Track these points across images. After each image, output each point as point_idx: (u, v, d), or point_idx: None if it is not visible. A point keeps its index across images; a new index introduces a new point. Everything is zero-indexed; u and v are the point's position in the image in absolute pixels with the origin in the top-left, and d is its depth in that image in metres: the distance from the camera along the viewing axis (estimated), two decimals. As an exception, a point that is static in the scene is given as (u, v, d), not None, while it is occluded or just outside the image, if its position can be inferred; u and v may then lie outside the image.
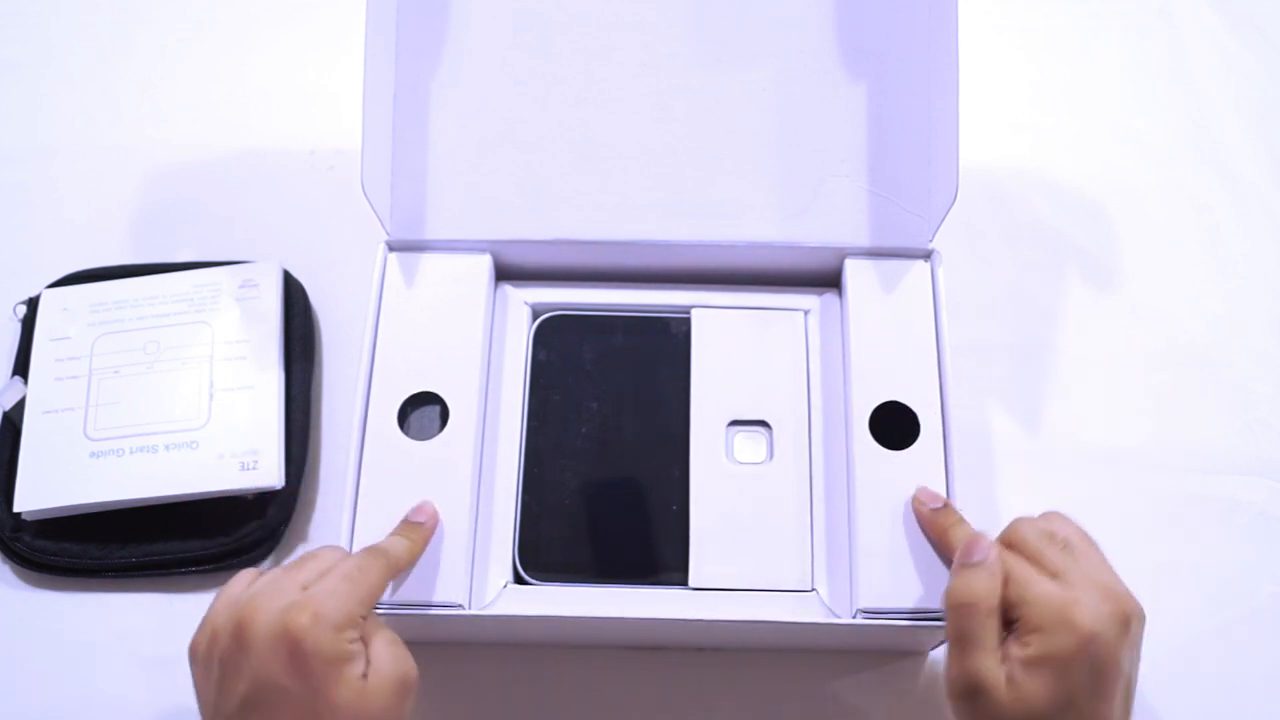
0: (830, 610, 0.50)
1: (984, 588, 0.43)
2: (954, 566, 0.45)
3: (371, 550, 0.46)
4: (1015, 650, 0.43)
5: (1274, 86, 0.74)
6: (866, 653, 0.56)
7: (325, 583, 0.42)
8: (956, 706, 0.44)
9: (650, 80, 0.56)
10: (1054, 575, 0.44)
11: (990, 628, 0.43)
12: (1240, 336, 0.66)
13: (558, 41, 0.55)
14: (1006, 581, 0.44)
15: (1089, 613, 0.42)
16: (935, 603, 0.48)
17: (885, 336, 0.53)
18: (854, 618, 0.49)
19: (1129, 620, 0.43)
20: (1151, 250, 0.68)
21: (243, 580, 0.44)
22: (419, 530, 0.49)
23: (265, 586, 0.43)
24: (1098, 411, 0.63)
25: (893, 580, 0.49)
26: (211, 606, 0.44)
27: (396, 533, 0.48)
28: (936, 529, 0.49)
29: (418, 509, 0.50)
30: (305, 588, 0.42)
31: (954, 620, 0.44)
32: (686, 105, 0.56)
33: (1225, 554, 0.60)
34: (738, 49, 0.56)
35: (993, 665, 0.42)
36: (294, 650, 0.40)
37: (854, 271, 0.55)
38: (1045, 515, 0.47)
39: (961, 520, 0.49)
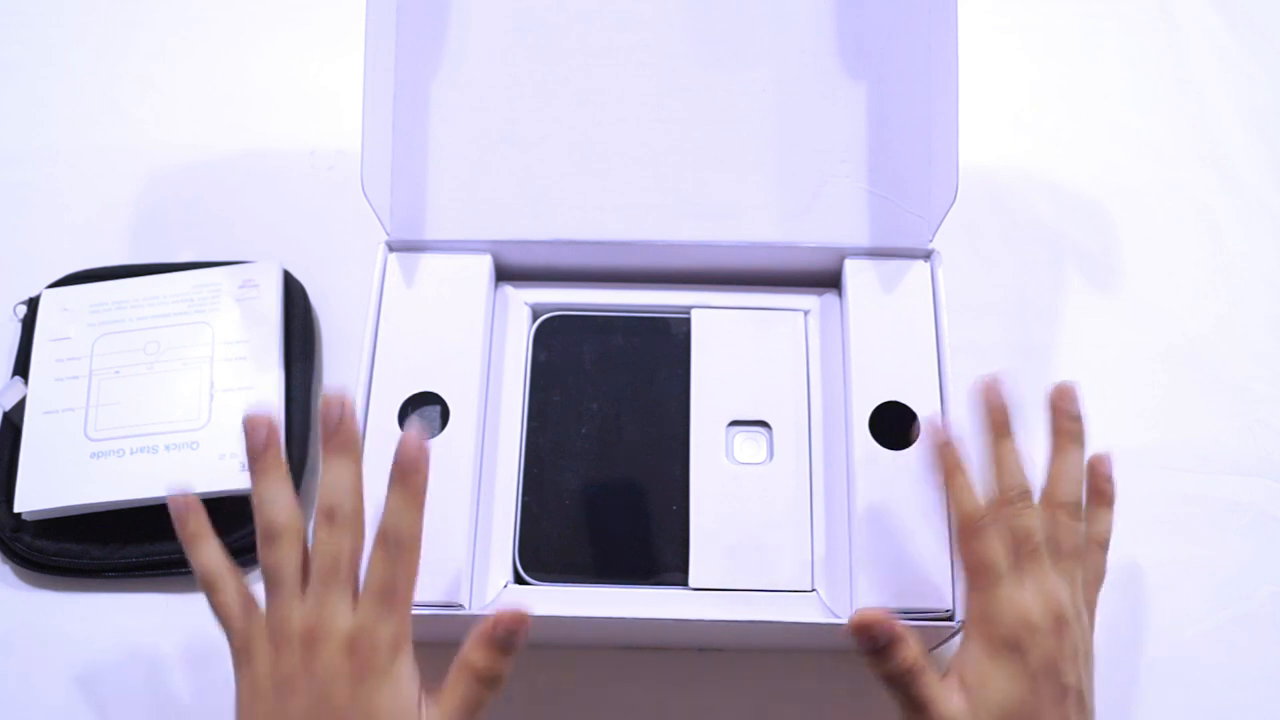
0: (830, 610, 0.50)
1: (912, 650, 0.44)
2: (865, 653, 0.44)
3: (388, 544, 0.43)
4: (962, 672, 0.44)
5: (1274, 86, 0.74)
6: (866, 653, 0.56)
7: (369, 603, 0.43)
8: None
9: (651, 80, 0.56)
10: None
11: (935, 678, 0.44)
12: (1240, 336, 0.66)
13: (558, 41, 0.55)
14: None
15: (1021, 613, 0.44)
16: (934, 603, 0.48)
17: (885, 336, 0.53)
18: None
19: (1062, 624, 0.44)
20: (1151, 250, 0.68)
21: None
22: (415, 478, 0.44)
23: (315, 606, 0.43)
24: (1098, 411, 0.63)
25: (892, 581, 0.49)
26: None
27: (394, 484, 0.44)
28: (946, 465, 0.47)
29: (404, 447, 0.44)
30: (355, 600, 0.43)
31: (906, 692, 0.44)
32: (687, 105, 0.56)
33: (1225, 554, 0.60)
34: (738, 49, 0.56)
35: (952, 708, 0.44)
36: (357, 672, 0.41)
37: (854, 271, 0.55)
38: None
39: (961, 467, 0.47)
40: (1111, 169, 0.71)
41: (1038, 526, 0.45)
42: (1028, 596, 0.44)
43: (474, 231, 0.55)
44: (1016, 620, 0.44)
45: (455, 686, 0.43)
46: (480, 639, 0.43)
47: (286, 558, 0.43)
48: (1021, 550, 0.45)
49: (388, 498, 0.44)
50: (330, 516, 0.43)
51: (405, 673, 0.43)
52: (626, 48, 0.56)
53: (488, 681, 0.43)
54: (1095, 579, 0.49)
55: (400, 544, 0.43)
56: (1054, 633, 0.44)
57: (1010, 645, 0.43)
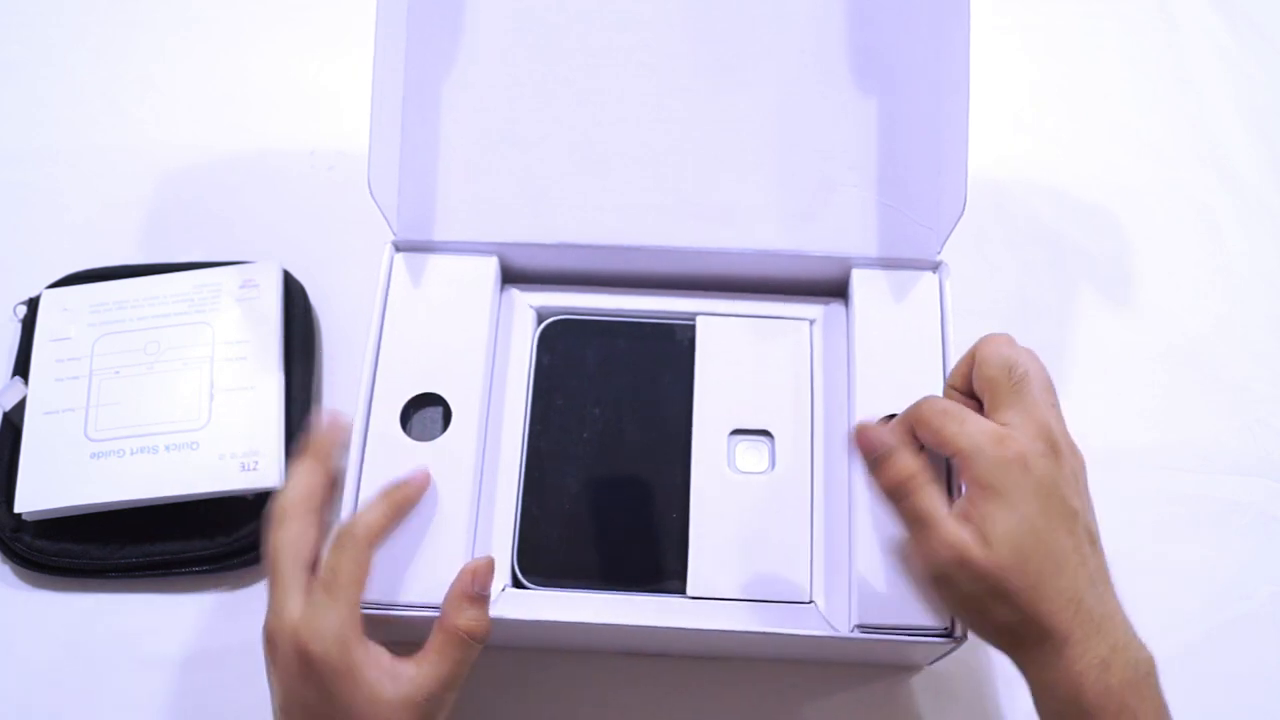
0: (828, 623, 0.50)
1: (911, 461, 0.44)
2: (869, 465, 0.45)
3: (340, 540, 0.46)
4: (966, 505, 0.42)
5: (1274, 86, 0.74)
6: (864, 665, 0.56)
7: (315, 594, 0.44)
8: (936, 589, 0.43)
9: (659, 86, 0.55)
10: (992, 406, 0.45)
11: (938, 495, 0.43)
12: (1240, 336, 0.66)
13: (566, 45, 0.55)
14: (938, 440, 0.44)
15: (1019, 439, 0.43)
16: (934, 618, 0.48)
17: (891, 348, 0.53)
18: (851, 632, 0.49)
19: (1059, 450, 0.43)
20: (1152, 251, 0.68)
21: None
22: (400, 490, 0.49)
23: (272, 598, 0.45)
24: (1099, 412, 0.63)
25: (891, 595, 0.48)
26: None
27: (377, 497, 0.48)
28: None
29: (411, 474, 0.49)
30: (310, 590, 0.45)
31: (905, 505, 0.43)
32: (695, 112, 0.55)
33: (1225, 554, 0.60)
34: (747, 56, 0.55)
35: (958, 529, 0.42)
36: (304, 664, 0.43)
37: (861, 282, 0.55)
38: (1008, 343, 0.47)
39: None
40: (1111, 169, 0.71)
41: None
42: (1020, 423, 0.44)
43: (481, 233, 0.55)
44: (1008, 449, 0.43)
45: (445, 650, 0.45)
46: (461, 599, 0.47)
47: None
48: (1013, 375, 0.45)
49: (373, 498, 0.48)
50: (271, 517, 0.47)
51: (360, 661, 0.44)
52: (634, 52, 0.55)
53: (478, 636, 0.46)
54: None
55: (352, 536, 0.46)
56: (1048, 455, 0.43)
57: (1018, 466, 0.42)
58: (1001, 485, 0.42)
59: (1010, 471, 0.42)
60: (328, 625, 0.43)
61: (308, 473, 0.47)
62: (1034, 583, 0.41)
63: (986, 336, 0.47)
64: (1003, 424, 0.44)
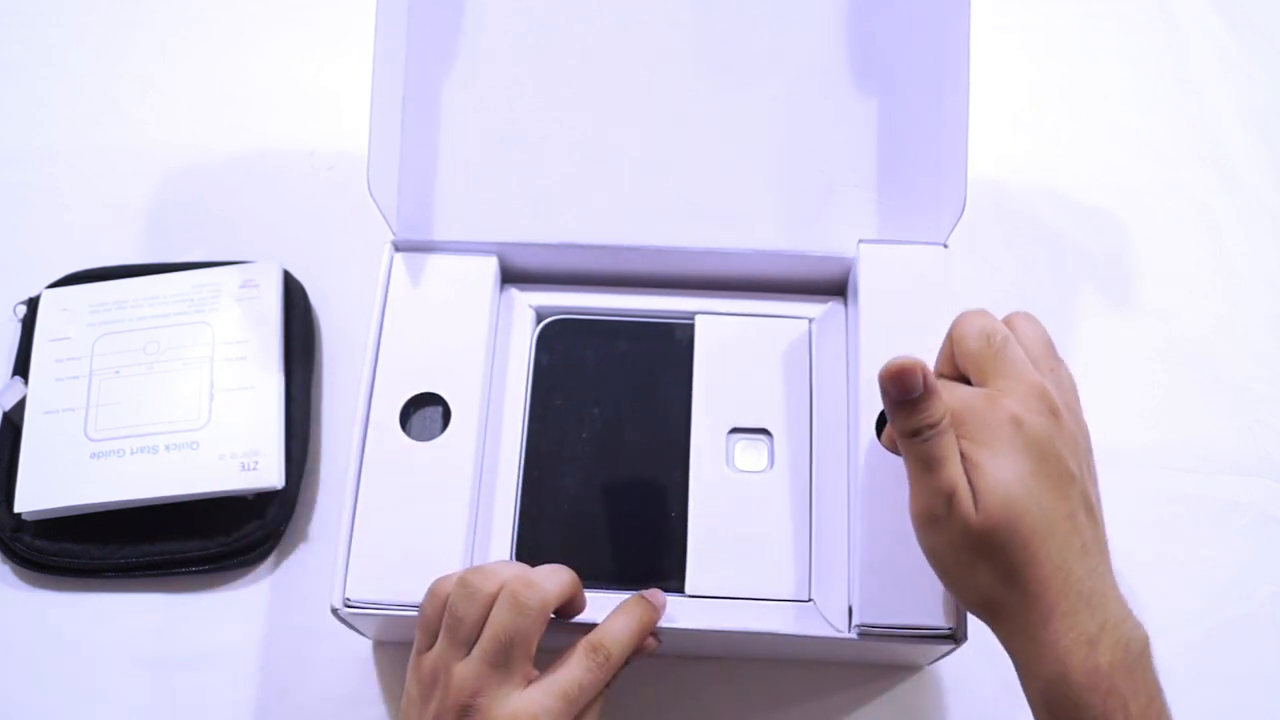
0: (828, 622, 0.50)
1: (943, 409, 0.42)
2: (893, 405, 0.42)
3: (597, 654, 0.44)
4: (962, 460, 0.41)
5: (1274, 86, 0.74)
6: (864, 665, 0.56)
7: (546, 697, 0.42)
8: (925, 538, 0.43)
9: (660, 86, 0.55)
10: (980, 379, 0.44)
11: (954, 445, 0.42)
12: (1240, 336, 0.66)
13: (568, 45, 0.55)
14: None
15: (1010, 399, 0.42)
16: (935, 619, 0.48)
17: (892, 346, 0.53)
18: (851, 632, 0.48)
19: (1057, 412, 0.42)
20: (1152, 250, 0.68)
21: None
22: (652, 613, 0.47)
23: (488, 674, 0.43)
24: (1098, 412, 0.63)
25: (892, 595, 0.48)
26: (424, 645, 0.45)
27: (627, 609, 0.46)
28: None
29: (655, 593, 0.48)
30: (528, 680, 0.43)
31: (920, 447, 0.42)
32: (696, 111, 0.55)
33: (1225, 554, 0.60)
34: (748, 56, 0.55)
35: (958, 475, 0.41)
36: None
37: (865, 274, 0.54)
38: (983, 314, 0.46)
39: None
40: (1111, 169, 0.71)
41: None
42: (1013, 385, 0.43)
43: (480, 233, 0.55)
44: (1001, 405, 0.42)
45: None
46: (636, 652, 0.46)
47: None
48: (994, 342, 0.44)
49: (624, 607, 0.47)
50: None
51: None
52: (637, 53, 0.55)
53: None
54: (1072, 385, 0.47)
55: (610, 658, 0.44)
56: (1044, 414, 0.42)
57: (1010, 423, 0.41)
58: (994, 442, 0.41)
59: (1003, 429, 0.41)
60: None
61: (572, 585, 0.46)
62: (1023, 543, 0.40)
63: (960, 314, 0.46)
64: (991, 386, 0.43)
